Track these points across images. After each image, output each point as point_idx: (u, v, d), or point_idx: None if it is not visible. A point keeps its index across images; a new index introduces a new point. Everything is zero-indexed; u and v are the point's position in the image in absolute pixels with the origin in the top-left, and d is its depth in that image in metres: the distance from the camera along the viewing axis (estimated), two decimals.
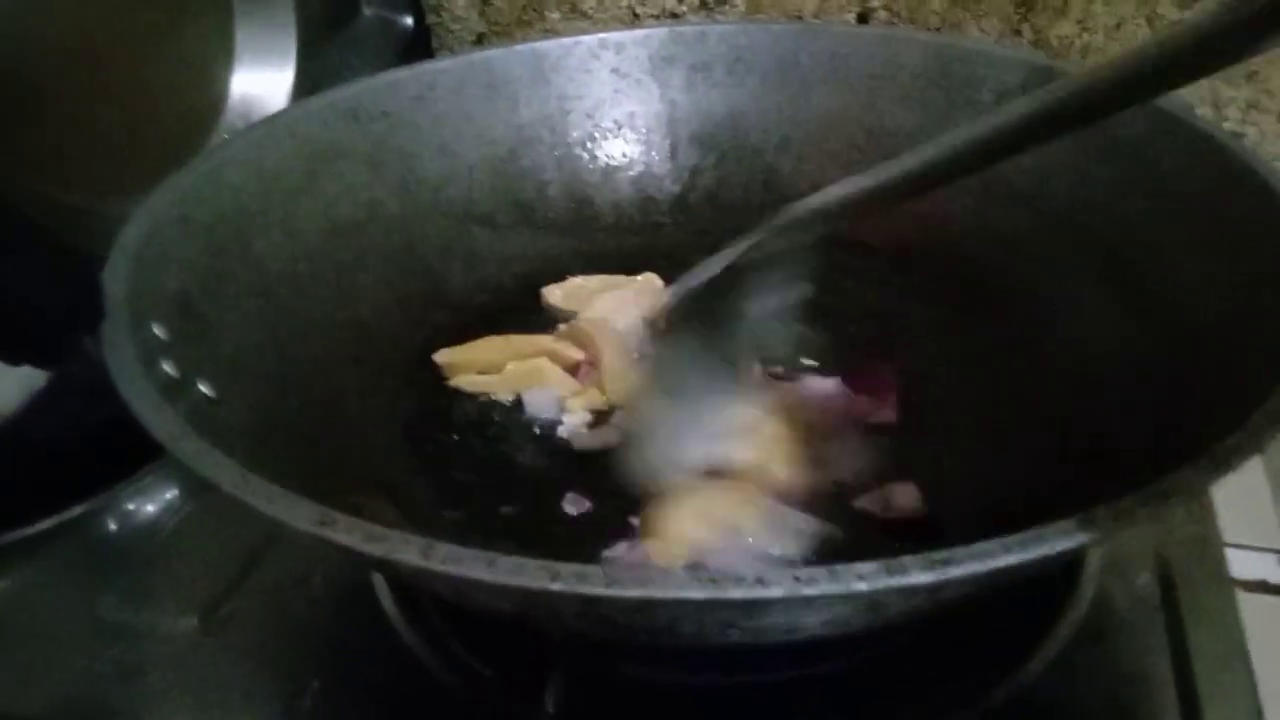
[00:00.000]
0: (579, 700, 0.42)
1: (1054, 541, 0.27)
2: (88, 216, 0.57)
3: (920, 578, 0.26)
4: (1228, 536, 0.51)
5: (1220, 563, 0.49)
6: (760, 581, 0.26)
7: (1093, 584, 0.45)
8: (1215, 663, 0.43)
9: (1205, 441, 0.31)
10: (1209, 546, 0.50)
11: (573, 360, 0.53)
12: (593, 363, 0.53)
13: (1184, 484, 0.29)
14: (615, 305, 0.55)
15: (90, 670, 0.46)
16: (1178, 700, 0.42)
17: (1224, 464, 0.29)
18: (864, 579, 0.26)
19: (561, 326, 0.55)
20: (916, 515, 0.45)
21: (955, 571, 0.26)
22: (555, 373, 0.53)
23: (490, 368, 0.52)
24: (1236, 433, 0.30)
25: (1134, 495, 0.28)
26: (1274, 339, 0.37)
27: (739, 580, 0.26)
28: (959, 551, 0.27)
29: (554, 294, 0.58)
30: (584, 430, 0.50)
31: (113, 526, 0.54)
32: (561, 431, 0.51)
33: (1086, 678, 0.42)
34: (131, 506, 0.55)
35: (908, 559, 0.26)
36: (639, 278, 0.58)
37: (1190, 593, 0.46)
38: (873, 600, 0.27)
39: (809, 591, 0.26)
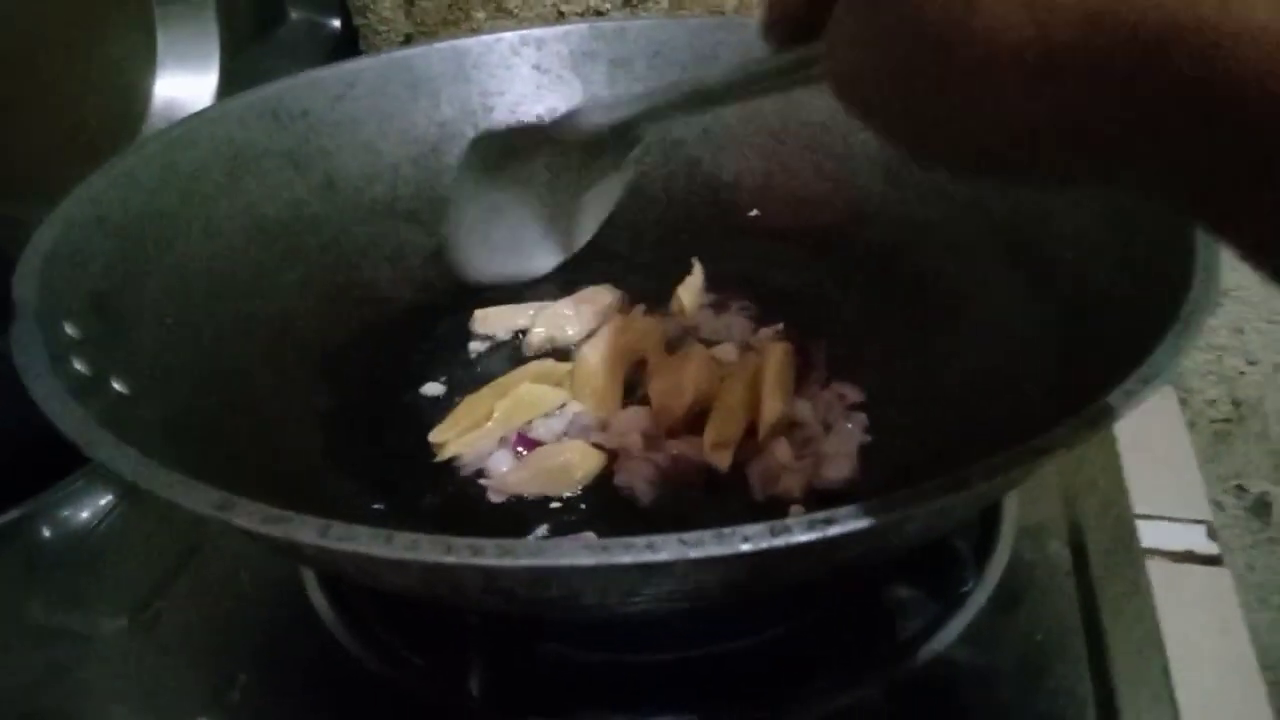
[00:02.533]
0: (503, 683, 0.42)
1: (931, 500, 0.28)
2: (7, 223, 0.57)
3: (803, 537, 0.27)
4: (1153, 509, 0.52)
5: (1131, 530, 0.51)
6: (650, 546, 0.27)
7: (1006, 552, 0.47)
8: (1126, 626, 0.45)
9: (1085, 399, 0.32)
10: (1119, 514, 0.51)
11: (560, 374, 0.52)
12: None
13: (1058, 440, 0.30)
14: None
15: (22, 672, 0.46)
16: (1089, 665, 0.43)
17: (1092, 424, 0.31)
18: (749, 540, 0.27)
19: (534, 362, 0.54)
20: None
21: (836, 530, 0.27)
22: (545, 391, 0.51)
23: (482, 421, 0.50)
24: (1110, 393, 0.32)
25: (1005, 454, 0.29)
26: (1155, 309, 0.38)
27: (628, 546, 0.27)
28: (840, 511, 0.28)
29: (485, 322, 0.57)
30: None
31: (46, 533, 0.54)
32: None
33: (1000, 643, 0.43)
34: (65, 512, 0.55)
35: (791, 520, 0.27)
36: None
37: (1103, 560, 0.48)
38: (761, 562, 0.28)
39: (695, 554, 0.27)
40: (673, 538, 0.27)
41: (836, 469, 0.46)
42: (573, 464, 0.47)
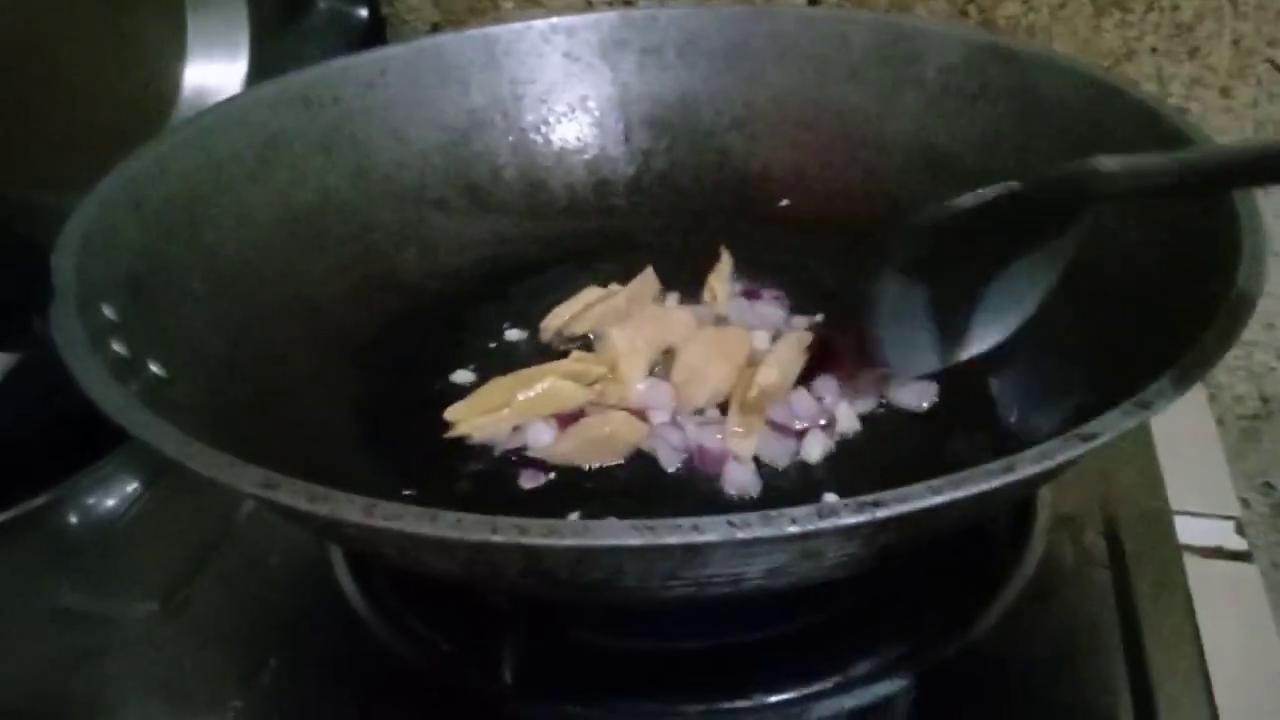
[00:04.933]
0: (536, 669, 0.42)
1: (979, 482, 0.28)
2: (39, 209, 0.57)
3: (850, 519, 0.27)
4: (1183, 505, 0.52)
5: (1168, 523, 0.50)
6: (696, 528, 0.27)
7: (1041, 542, 0.46)
8: (1161, 617, 0.44)
9: (1128, 389, 0.32)
10: (1157, 507, 0.51)
11: (595, 375, 0.51)
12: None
13: (1107, 427, 0.30)
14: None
15: (52, 656, 0.46)
16: (1124, 655, 0.43)
17: (1146, 407, 0.30)
18: (796, 522, 0.27)
19: (575, 352, 0.53)
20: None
21: (884, 513, 0.27)
22: (570, 389, 0.50)
23: (500, 408, 0.49)
24: (1155, 382, 0.31)
25: (1056, 439, 0.29)
26: (1202, 296, 0.37)
27: (675, 527, 0.27)
28: (888, 494, 0.27)
29: (559, 317, 0.56)
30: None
31: (72, 518, 0.54)
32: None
33: (1035, 633, 0.43)
34: (91, 499, 0.55)
35: (838, 502, 0.27)
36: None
37: (1138, 553, 0.47)
38: (806, 544, 0.28)
39: (743, 535, 0.27)
40: (720, 519, 0.27)
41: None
42: (617, 434, 0.47)
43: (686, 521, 0.27)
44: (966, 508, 0.29)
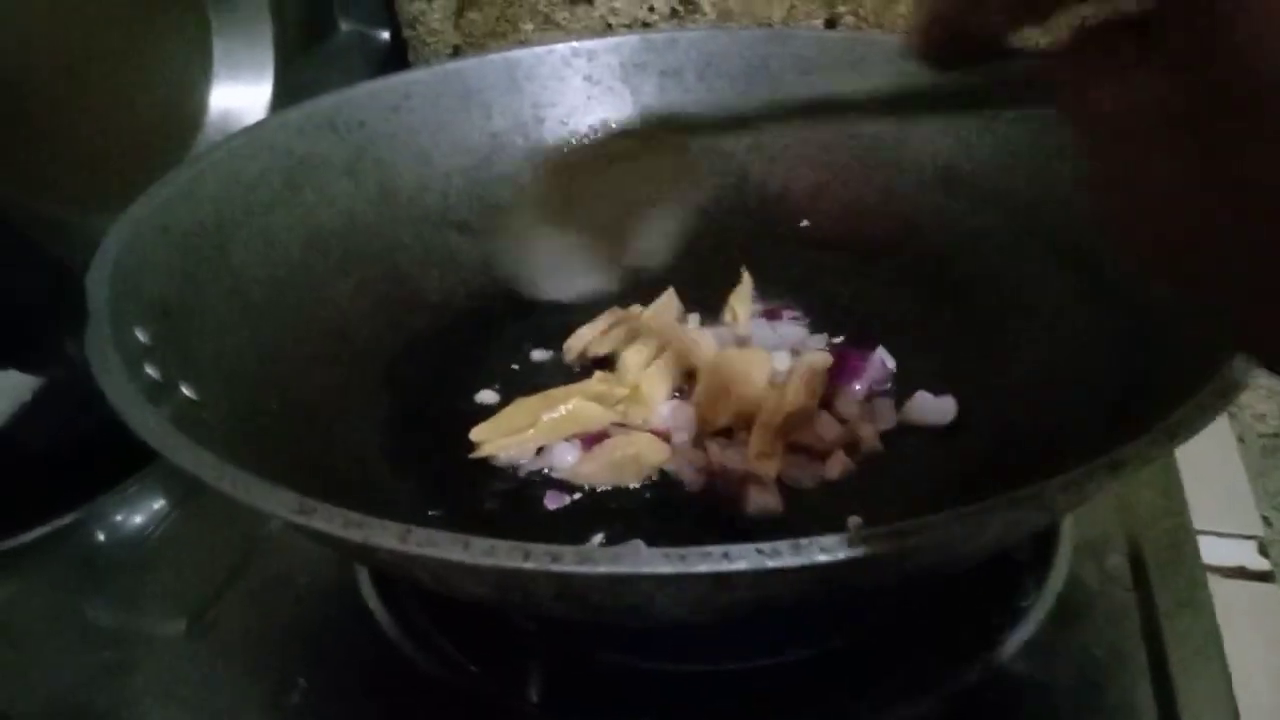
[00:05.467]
0: (562, 690, 0.43)
1: (1006, 512, 0.28)
2: (67, 229, 0.58)
3: (879, 547, 0.27)
4: (1205, 524, 0.52)
5: (1191, 544, 0.50)
6: (726, 556, 0.27)
7: (1065, 566, 0.46)
8: (1187, 642, 0.44)
9: (1153, 414, 0.32)
10: (1180, 528, 0.51)
11: (619, 397, 0.51)
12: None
13: (1133, 456, 0.30)
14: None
15: (81, 674, 0.46)
16: (1150, 679, 0.43)
17: (1172, 436, 0.30)
18: (825, 550, 0.27)
19: (598, 373, 0.54)
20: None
21: (913, 541, 0.27)
22: (594, 411, 0.50)
23: (524, 428, 0.50)
24: (1181, 408, 0.32)
25: (1083, 468, 0.29)
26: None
27: (705, 555, 0.27)
28: (916, 523, 0.28)
29: (581, 339, 0.56)
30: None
31: (100, 536, 0.55)
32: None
33: (1059, 658, 0.43)
34: (119, 517, 0.55)
35: (867, 531, 0.27)
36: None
37: (1162, 574, 0.47)
38: (835, 573, 0.28)
39: (773, 564, 0.27)
40: (750, 547, 0.27)
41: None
42: (641, 455, 0.48)
43: (717, 550, 0.27)
44: (992, 535, 0.29)
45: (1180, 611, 0.46)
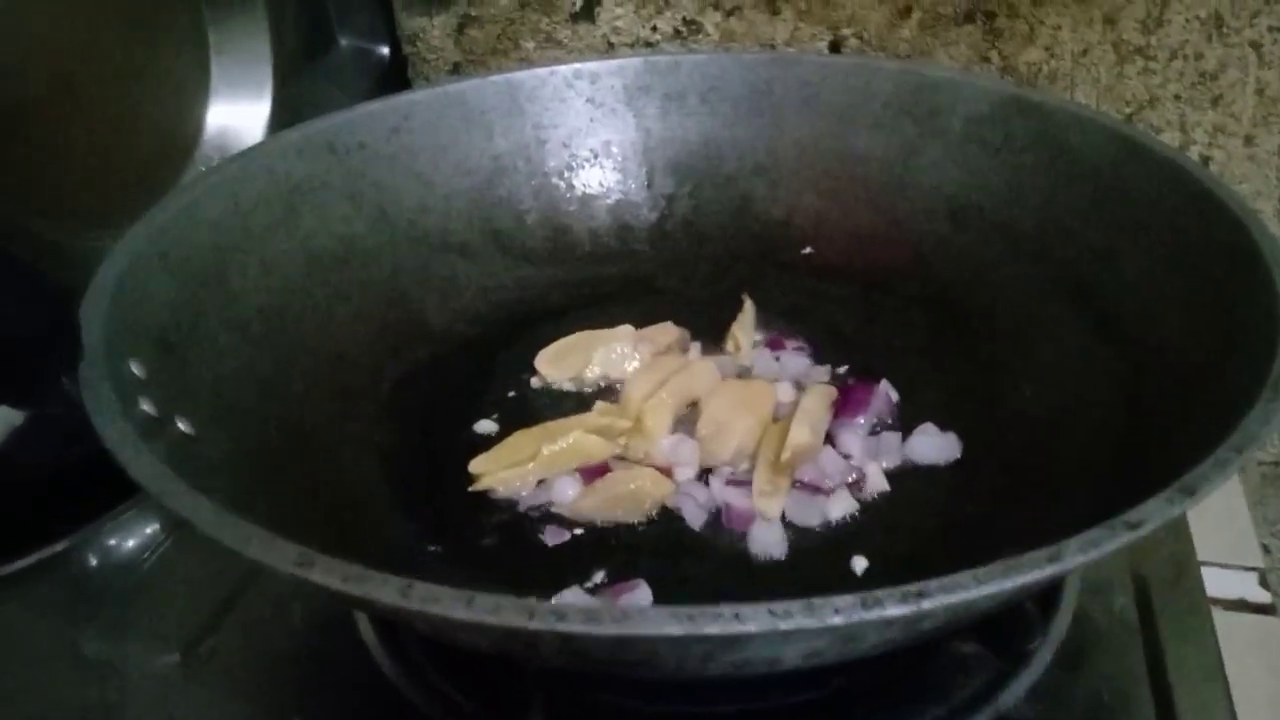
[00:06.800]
0: None
1: (1025, 573, 0.27)
2: (63, 250, 0.57)
3: (895, 610, 0.26)
4: (1206, 555, 0.51)
5: (1197, 581, 0.50)
6: (737, 617, 0.26)
7: (1071, 607, 0.46)
8: (1193, 682, 0.44)
9: (1171, 466, 0.31)
10: (1186, 566, 0.50)
11: (620, 429, 0.51)
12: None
13: (1152, 514, 0.29)
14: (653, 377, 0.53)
15: (72, 707, 0.46)
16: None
17: (1191, 493, 0.30)
18: (840, 613, 0.26)
19: (599, 404, 0.53)
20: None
21: (929, 604, 0.27)
22: (595, 444, 0.49)
23: (524, 461, 0.49)
24: (1205, 461, 0.31)
25: (1102, 526, 0.29)
26: (1238, 366, 0.37)
27: (715, 616, 0.26)
28: (932, 584, 0.27)
29: (544, 358, 0.56)
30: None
31: (93, 562, 0.54)
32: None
33: (1067, 702, 0.43)
34: (112, 542, 0.54)
35: (882, 592, 0.27)
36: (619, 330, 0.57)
37: (1168, 613, 0.47)
38: (849, 633, 0.27)
39: (785, 626, 0.26)
40: (762, 608, 0.26)
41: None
42: (643, 490, 0.47)
43: (728, 610, 0.26)
44: (1008, 595, 0.28)
45: (1186, 649, 0.45)
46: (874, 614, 0.26)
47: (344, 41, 0.78)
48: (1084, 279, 0.51)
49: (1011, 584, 0.27)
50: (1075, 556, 0.28)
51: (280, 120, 0.69)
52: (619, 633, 0.27)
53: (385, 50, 0.79)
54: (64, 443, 0.53)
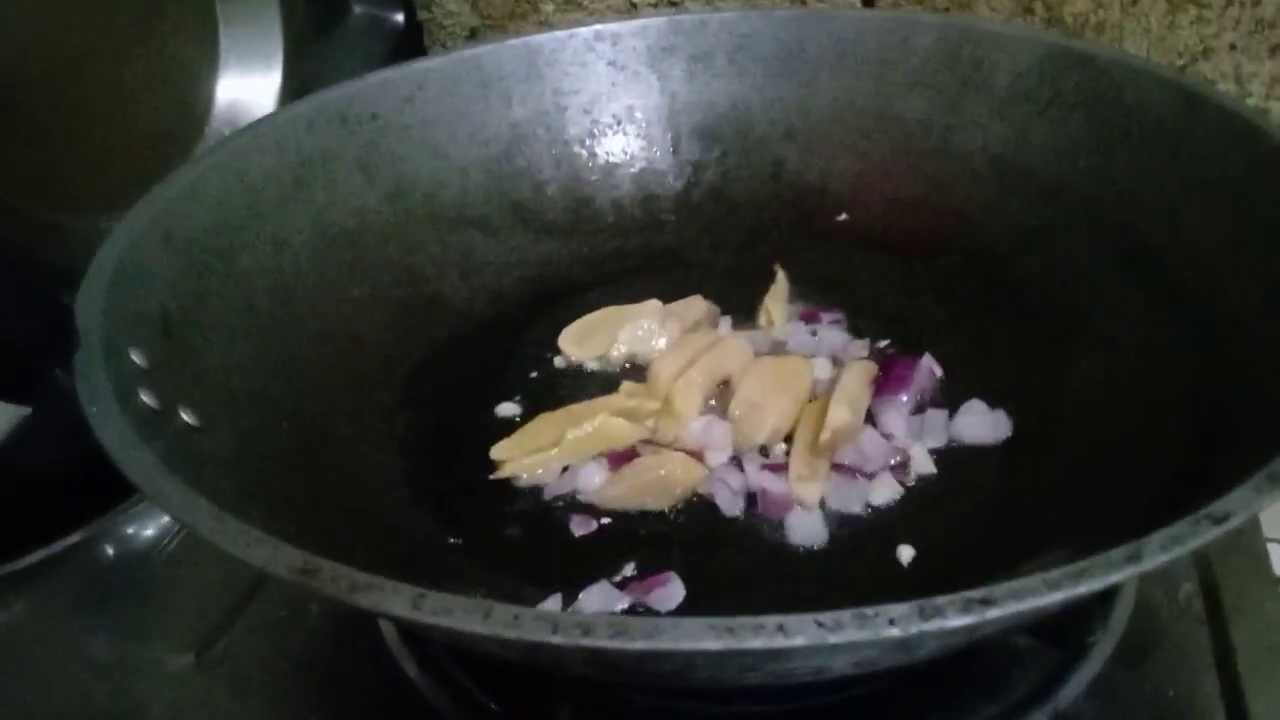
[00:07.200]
0: None
1: (1100, 576, 0.25)
2: (67, 233, 0.55)
3: (957, 620, 0.24)
4: (1273, 532, 0.48)
5: (1265, 562, 0.47)
6: (781, 629, 0.24)
7: (1132, 596, 0.43)
8: (1265, 675, 0.41)
9: (1247, 451, 0.29)
10: (1252, 545, 0.47)
11: (648, 411, 0.48)
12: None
13: (1239, 506, 0.26)
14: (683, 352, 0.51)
15: (85, 706, 0.44)
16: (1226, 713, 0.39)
17: (1274, 482, 0.27)
18: (896, 624, 0.24)
19: (625, 384, 0.50)
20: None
21: (994, 613, 0.24)
22: (622, 427, 0.47)
23: (548, 446, 0.47)
24: None
25: (1185, 520, 0.26)
26: None
27: (758, 628, 0.24)
28: (998, 590, 0.24)
29: (567, 336, 0.54)
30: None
31: (110, 552, 0.53)
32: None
33: (1129, 699, 0.40)
34: (130, 530, 0.53)
35: (942, 600, 0.24)
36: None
37: (1236, 599, 0.44)
38: (904, 643, 0.25)
39: (835, 639, 0.24)
40: (808, 619, 0.24)
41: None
42: (673, 476, 0.45)
43: (771, 621, 0.24)
44: (1079, 597, 0.26)
45: (1259, 646, 0.42)
46: (934, 625, 0.24)
47: (358, 8, 0.75)
48: (1143, 244, 0.47)
49: (1086, 588, 0.25)
50: (1158, 555, 0.25)
51: (293, 92, 0.66)
52: (650, 648, 0.24)
53: (400, 16, 0.76)
54: (73, 433, 0.51)
